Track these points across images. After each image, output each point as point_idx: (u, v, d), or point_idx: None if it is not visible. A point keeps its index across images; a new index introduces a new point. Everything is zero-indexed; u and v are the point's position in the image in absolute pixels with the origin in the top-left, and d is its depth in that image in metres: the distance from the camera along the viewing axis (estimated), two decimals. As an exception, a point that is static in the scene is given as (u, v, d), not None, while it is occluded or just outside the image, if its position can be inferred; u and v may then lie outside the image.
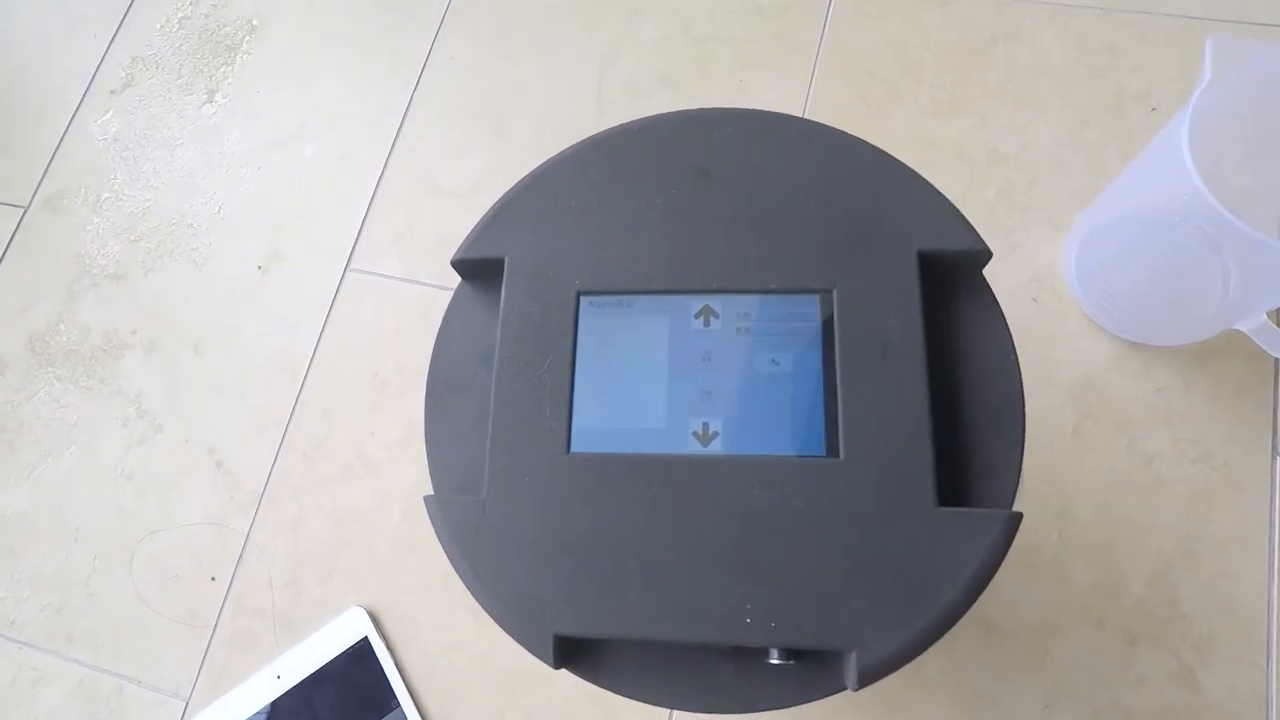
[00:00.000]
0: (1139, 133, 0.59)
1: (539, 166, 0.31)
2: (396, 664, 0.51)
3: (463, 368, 0.30)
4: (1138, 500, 0.52)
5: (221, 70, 0.71)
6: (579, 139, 0.31)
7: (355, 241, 0.63)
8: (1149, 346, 0.55)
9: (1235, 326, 0.52)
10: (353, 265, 0.63)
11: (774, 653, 0.26)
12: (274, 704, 0.51)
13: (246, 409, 0.59)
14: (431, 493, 0.29)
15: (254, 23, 0.72)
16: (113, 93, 0.71)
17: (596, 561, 0.26)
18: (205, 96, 0.70)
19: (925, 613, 0.24)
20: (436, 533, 0.27)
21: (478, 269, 0.31)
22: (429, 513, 0.28)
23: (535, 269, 0.30)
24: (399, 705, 0.50)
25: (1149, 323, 0.55)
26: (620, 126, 0.31)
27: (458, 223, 0.63)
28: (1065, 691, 0.50)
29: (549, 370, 0.28)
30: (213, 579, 0.55)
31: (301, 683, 0.51)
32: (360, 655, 0.51)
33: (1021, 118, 0.61)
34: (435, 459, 0.29)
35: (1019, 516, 0.25)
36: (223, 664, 0.53)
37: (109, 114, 0.71)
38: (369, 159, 0.65)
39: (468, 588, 0.26)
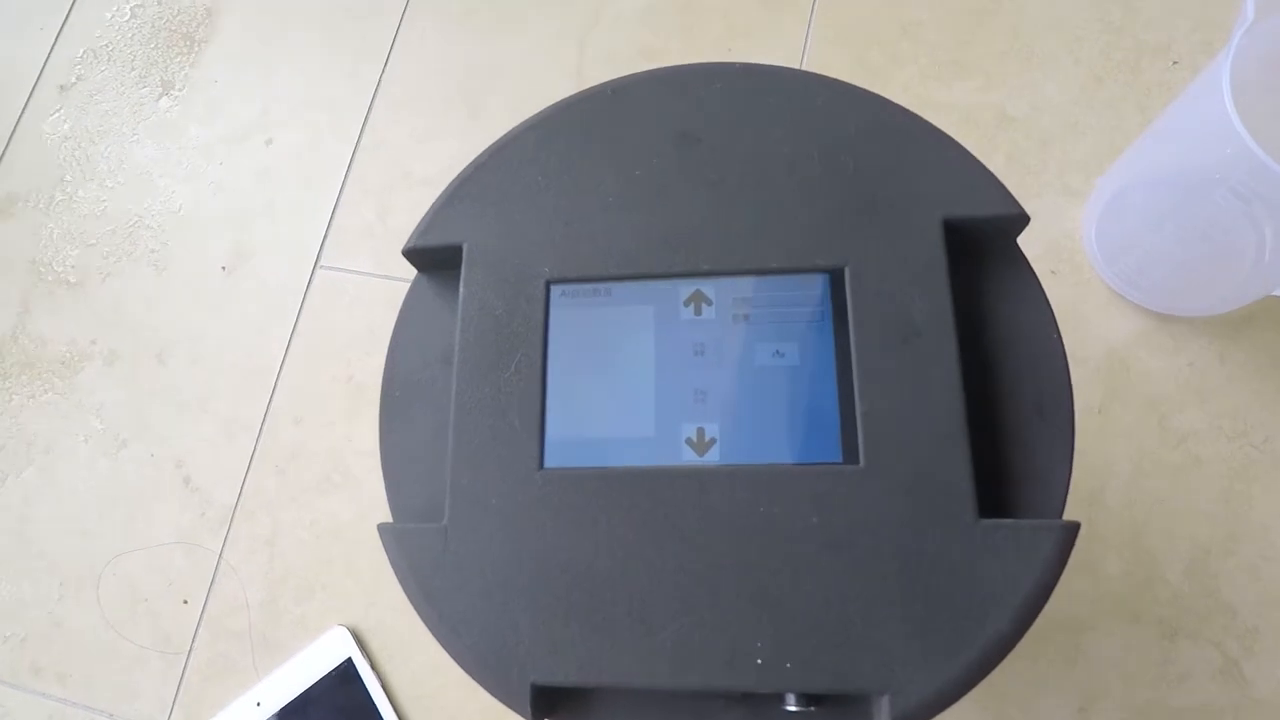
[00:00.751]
0: (1159, 89, 0.56)
1: (499, 139, 0.27)
2: (383, 686, 0.49)
3: (421, 373, 0.27)
4: (1172, 483, 0.49)
5: (177, 61, 0.67)
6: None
7: (324, 236, 0.60)
8: (1179, 318, 0.52)
9: (1273, 293, 0.48)
10: (322, 262, 0.60)
11: (790, 699, 0.22)
12: (254, 734, 0.48)
13: (215, 419, 0.57)
14: (388, 520, 0.25)
15: (209, 9, 0.67)
16: (62, 88, 0.68)
17: (578, 596, 0.22)
18: (161, 89, 0.67)
19: (969, 646, 0.20)
20: (393, 567, 0.23)
21: (433, 259, 0.27)
22: (384, 544, 0.24)
23: (497, 256, 0.26)
24: (388, 730, 0.48)
25: (1178, 292, 0.51)
26: (591, 89, 0.27)
27: (432, 212, 0.59)
28: (1101, 693, 0.47)
29: (516, 373, 0.24)
30: (185, 602, 0.53)
31: (283, 709, 0.49)
32: (344, 678, 0.49)
33: (1030, 77, 0.57)
34: (391, 480, 0.25)
35: (1076, 527, 0.21)
36: (199, 692, 0.51)
37: (59, 111, 0.67)
38: (336, 148, 0.62)
39: (429, 630, 0.23)
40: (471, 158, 0.63)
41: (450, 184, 0.27)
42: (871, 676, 0.21)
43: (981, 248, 0.25)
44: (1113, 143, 0.55)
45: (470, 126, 0.61)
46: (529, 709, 0.22)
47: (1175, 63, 0.56)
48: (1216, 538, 0.48)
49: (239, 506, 0.54)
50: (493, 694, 0.22)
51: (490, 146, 0.27)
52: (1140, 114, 0.55)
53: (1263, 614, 0.47)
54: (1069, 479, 0.23)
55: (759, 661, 0.21)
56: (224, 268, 0.60)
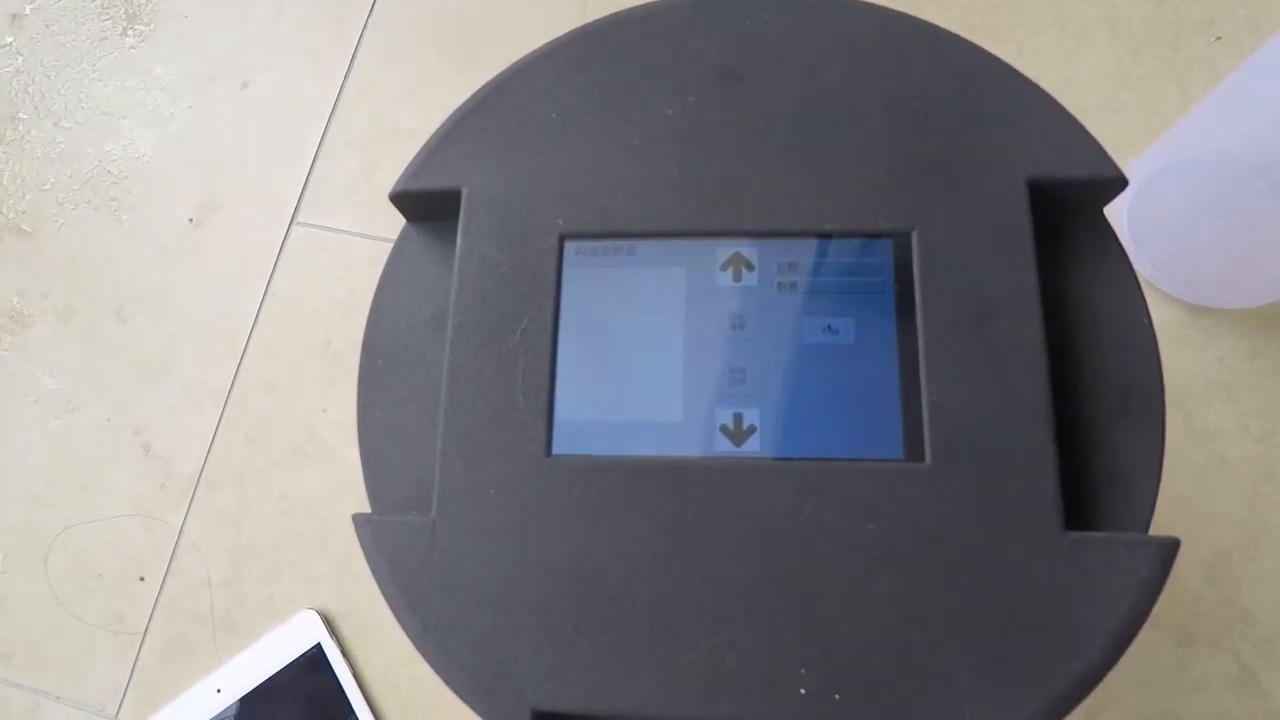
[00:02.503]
0: (1199, 65, 0.53)
1: (508, 69, 0.23)
2: (354, 674, 0.47)
3: (409, 338, 0.23)
4: (1195, 483, 0.48)
5: (144, -9, 0.62)
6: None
7: (302, 190, 0.57)
8: (1210, 310, 0.50)
9: (1315, 287, 0.46)
10: (299, 218, 0.56)
11: (836, 733, 0.19)
12: (213, 722, 0.46)
13: (178, 384, 0.53)
14: (366, 510, 0.22)
15: (179, -66, 0.62)
16: (15, 17, 0.63)
17: (590, 609, 0.19)
18: (125, 22, 0.62)
19: (1052, 681, 0.17)
20: (370, 566, 0.20)
21: (426, 206, 0.24)
22: (360, 539, 0.20)
23: (504, 204, 0.22)
24: (358, 720, 0.46)
25: (1212, 283, 0.49)
26: (616, 14, 0.23)
27: (419, 167, 0.56)
28: (1112, 698, 0.45)
29: (522, 341, 0.21)
30: (142, 579, 0.50)
31: (245, 696, 0.46)
32: (313, 664, 0.47)
33: (1065, 47, 0.54)
34: (372, 463, 0.22)
35: (1175, 545, 0.18)
36: (155, 675, 0.48)
37: (11, 42, 0.62)
38: (317, 95, 0.58)
39: (412, 642, 0.19)
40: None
41: (448, 119, 0.23)
42: (935, 714, 0.18)
43: (1064, 215, 0.22)
44: (1149, 122, 0.52)
45: (463, 77, 0.57)
46: (528, 738, 0.19)
47: (1218, 39, 0.53)
48: (1239, 541, 0.46)
49: (202, 478, 0.51)
50: (485, 719, 0.19)
51: (496, 78, 0.24)
52: (1179, 92, 0.52)
53: (1283, 622, 0.45)
54: (1158, 485, 0.20)
55: (802, 691, 0.18)
56: (191, 220, 0.57)
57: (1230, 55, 0.53)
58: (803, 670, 0.18)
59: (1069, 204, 0.22)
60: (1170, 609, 0.45)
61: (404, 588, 0.20)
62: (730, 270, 0.22)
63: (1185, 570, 0.46)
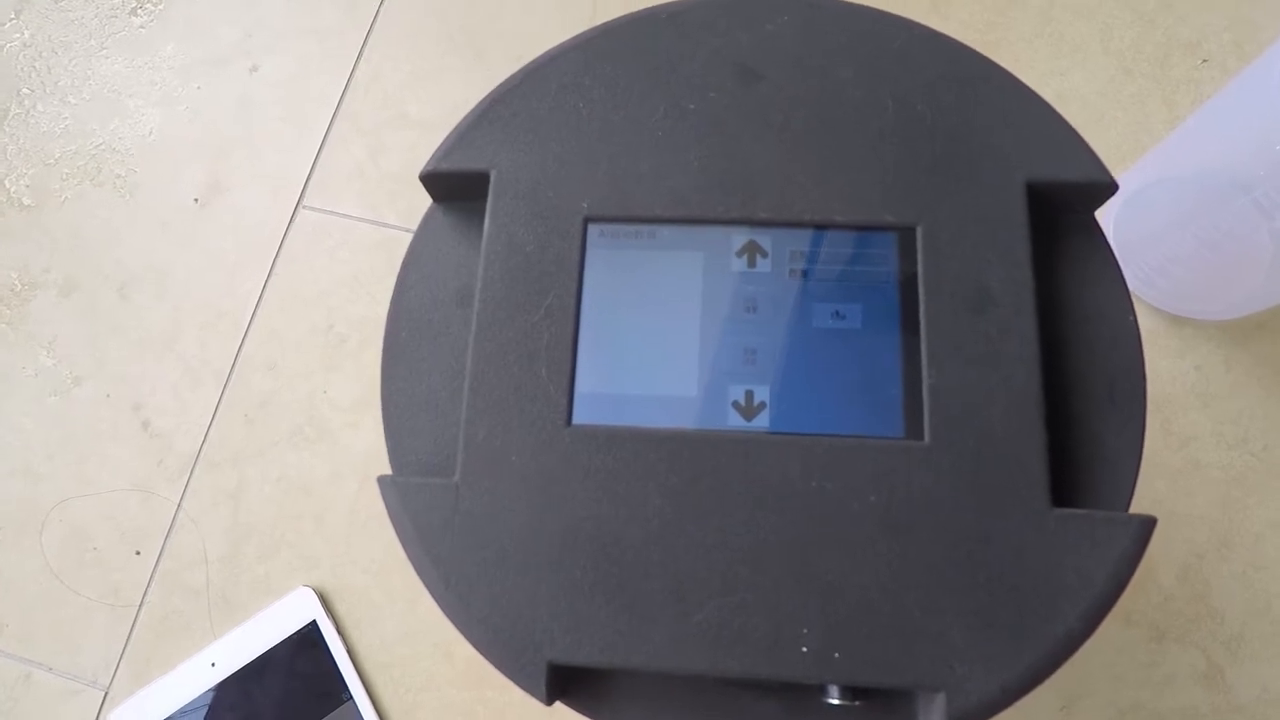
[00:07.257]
0: (1186, 85, 0.55)
1: (538, 58, 0.24)
2: (349, 651, 0.47)
3: (433, 313, 0.24)
4: (1170, 486, 0.49)
5: (154, -29, 0.62)
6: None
7: (309, 175, 0.57)
8: (1189, 321, 0.51)
9: (1288, 301, 0.48)
10: (305, 202, 0.56)
11: (833, 690, 0.20)
12: (207, 694, 0.46)
13: (179, 361, 0.53)
14: (389, 472, 0.23)
15: (192, -84, 0.62)
16: None
17: (605, 569, 0.20)
18: (135, 2, 0.61)
19: (1035, 645, 0.19)
20: (395, 525, 0.21)
21: (455, 186, 0.24)
22: (385, 499, 0.21)
23: (530, 187, 0.23)
24: (351, 697, 0.46)
25: (1192, 295, 0.51)
26: (641, 11, 0.24)
27: (428, 157, 0.56)
28: (1086, 691, 0.47)
29: (546, 317, 0.22)
30: (138, 553, 0.50)
31: (239, 671, 0.46)
32: (307, 641, 0.47)
33: (1060, 64, 0.56)
34: (394, 430, 0.23)
35: (1152, 523, 0.20)
36: (149, 649, 0.48)
37: (19, 17, 0.62)
38: (326, 81, 0.59)
39: (434, 597, 0.20)
40: (472, 101, 0.60)
41: (478, 105, 0.24)
42: (928, 672, 0.19)
43: (1058, 216, 0.23)
44: (1137, 138, 0.54)
45: (472, 67, 0.57)
46: (544, 690, 0.19)
47: (1205, 61, 0.55)
48: (1211, 543, 0.48)
49: (201, 456, 0.51)
50: (503, 671, 0.20)
51: (525, 67, 0.25)
52: (1167, 110, 0.54)
53: (1249, 622, 0.47)
54: (1138, 469, 0.21)
55: (804, 650, 0.19)
56: (196, 200, 0.57)
57: (1216, 77, 0.54)
58: (805, 630, 0.19)
59: (1063, 207, 0.23)
60: (1143, 606, 0.47)
61: (427, 546, 0.20)
62: (745, 257, 0.23)
63: (1159, 569, 0.47)
